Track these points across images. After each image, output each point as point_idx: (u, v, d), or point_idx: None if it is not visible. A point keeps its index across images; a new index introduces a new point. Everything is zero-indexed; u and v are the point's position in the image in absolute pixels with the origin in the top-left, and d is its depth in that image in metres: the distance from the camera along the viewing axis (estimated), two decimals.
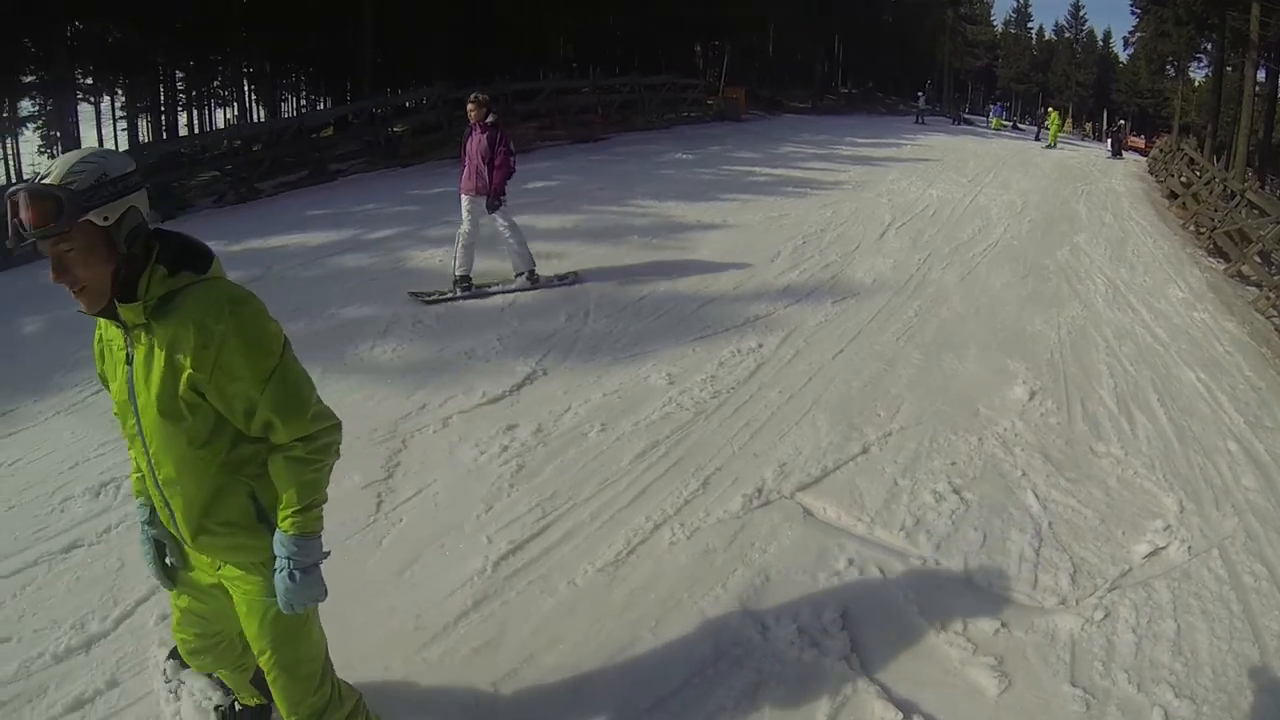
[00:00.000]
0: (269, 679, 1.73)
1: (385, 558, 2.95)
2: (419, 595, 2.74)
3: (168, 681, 2.37)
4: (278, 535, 1.54)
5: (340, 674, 1.95)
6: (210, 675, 2.30)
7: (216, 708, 2.23)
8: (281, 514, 1.53)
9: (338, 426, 1.56)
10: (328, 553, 1.59)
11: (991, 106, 35.59)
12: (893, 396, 4.15)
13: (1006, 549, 2.94)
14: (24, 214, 1.27)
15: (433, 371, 4.25)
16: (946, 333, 5.21)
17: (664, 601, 2.57)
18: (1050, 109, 24.85)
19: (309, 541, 1.54)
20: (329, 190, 9.98)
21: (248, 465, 1.54)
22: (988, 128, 29.18)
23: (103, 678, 2.67)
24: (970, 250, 7.57)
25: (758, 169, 12.14)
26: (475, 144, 5.36)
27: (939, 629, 2.49)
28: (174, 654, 2.40)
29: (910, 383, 4.34)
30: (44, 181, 1.29)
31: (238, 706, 2.21)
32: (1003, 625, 2.52)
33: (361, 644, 2.58)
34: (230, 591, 1.69)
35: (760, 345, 4.76)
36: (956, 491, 3.28)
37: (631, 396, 3.90)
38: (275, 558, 1.55)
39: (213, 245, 1.54)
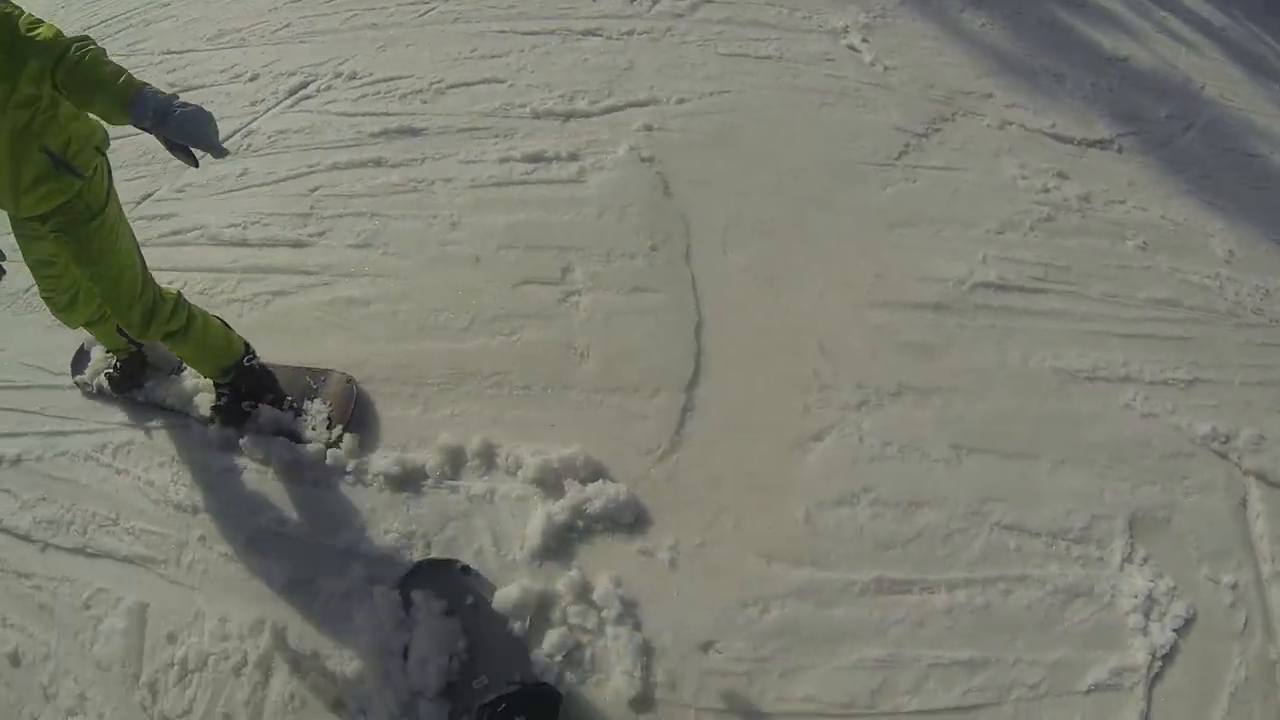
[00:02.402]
0: (101, 295, 1.99)
1: (882, 206, 2.93)
2: (891, 259, 2.73)
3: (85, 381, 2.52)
4: (132, 113, 1.62)
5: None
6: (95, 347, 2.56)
7: (106, 375, 2.46)
8: (117, 101, 1.62)
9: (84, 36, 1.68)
10: (176, 95, 1.67)
11: None
12: None
13: None
14: None
15: (1012, 69, 3.80)
16: None
17: (1080, 462, 2.25)
18: None
19: (147, 95, 1.62)
20: None
21: (28, 126, 1.69)
22: None
23: (566, 147, 2.99)
24: None
25: None
26: None
27: None
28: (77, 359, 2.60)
29: None
30: None
31: (118, 363, 2.45)
32: None
33: (802, 279, 2.63)
34: (59, 240, 1.89)
35: None
36: None
37: (1182, 247, 3.17)
38: (162, 130, 1.63)
39: None
